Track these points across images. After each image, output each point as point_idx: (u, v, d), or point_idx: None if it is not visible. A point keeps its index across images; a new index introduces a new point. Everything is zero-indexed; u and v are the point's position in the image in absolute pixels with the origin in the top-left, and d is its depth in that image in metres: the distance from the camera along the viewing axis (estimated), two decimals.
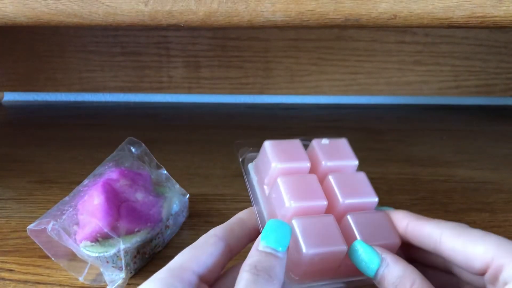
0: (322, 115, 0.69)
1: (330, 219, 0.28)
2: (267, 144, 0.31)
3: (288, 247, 0.25)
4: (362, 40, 0.67)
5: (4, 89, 0.74)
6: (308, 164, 0.30)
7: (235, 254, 0.28)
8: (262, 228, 0.28)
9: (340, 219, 0.29)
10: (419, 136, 0.61)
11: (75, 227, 0.36)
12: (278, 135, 0.34)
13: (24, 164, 0.55)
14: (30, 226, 0.34)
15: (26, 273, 0.37)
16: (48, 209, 0.37)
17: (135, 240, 0.36)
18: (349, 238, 0.27)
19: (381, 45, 0.67)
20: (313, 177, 0.29)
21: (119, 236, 0.35)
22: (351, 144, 0.32)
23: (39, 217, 0.35)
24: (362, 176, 0.30)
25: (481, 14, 0.31)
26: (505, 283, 0.22)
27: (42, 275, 0.37)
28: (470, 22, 0.31)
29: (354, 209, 0.28)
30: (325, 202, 0.28)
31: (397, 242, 0.27)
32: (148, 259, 0.38)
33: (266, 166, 0.30)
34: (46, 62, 0.71)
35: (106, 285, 0.35)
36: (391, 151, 0.57)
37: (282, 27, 0.33)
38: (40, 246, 0.35)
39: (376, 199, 0.29)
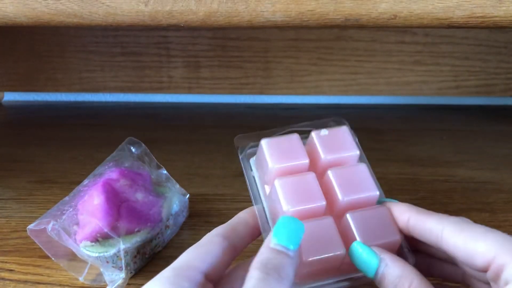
0: (322, 115, 0.69)
1: (329, 221, 0.27)
2: (264, 143, 0.30)
3: None
4: (362, 40, 0.67)
5: (4, 89, 0.74)
6: (307, 161, 0.30)
7: (238, 253, 0.28)
8: (262, 228, 0.29)
9: (340, 215, 0.29)
10: (419, 136, 0.61)
11: (75, 227, 0.36)
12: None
13: (24, 164, 0.55)
14: (30, 226, 0.34)
15: (26, 273, 0.37)
16: (48, 209, 0.37)
17: (135, 240, 0.36)
18: (349, 238, 0.27)
19: (381, 45, 0.67)
20: (312, 176, 0.29)
21: (119, 236, 0.35)
22: None
23: (39, 217, 0.35)
24: (363, 169, 0.30)
25: (481, 14, 0.31)
26: (506, 283, 0.22)
27: (42, 275, 0.37)
28: (470, 22, 0.31)
29: (355, 205, 0.28)
30: (324, 203, 0.28)
31: (397, 239, 0.27)
32: (148, 259, 0.38)
33: (264, 165, 0.30)
34: (46, 62, 0.71)
35: (106, 285, 0.35)
36: (391, 151, 0.57)
37: (282, 27, 0.33)
38: (40, 246, 0.35)
39: (377, 193, 0.29)
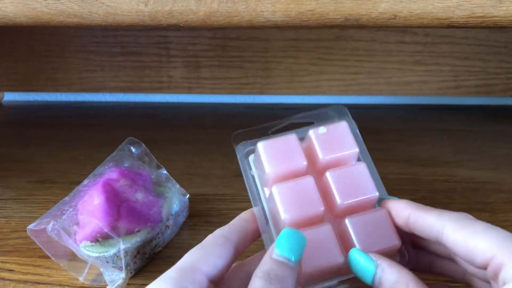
0: None
1: (327, 229, 0.27)
2: (261, 146, 0.29)
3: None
4: (362, 40, 0.67)
5: (4, 89, 0.74)
6: (304, 163, 0.29)
7: (239, 254, 0.28)
8: (262, 230, 0.29)
9: (340, 216, 0.29)
10: (419, 136, 0.61)
11: (75, 227, 0.36)
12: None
13: (24, 164, 0.55)
14: (30, 226, 0.34)
15: (26, 273, 0.37)
16: (48, 209, 0.37)
17: (135, 240, 0.36)
18: (348, 243, 0.28)
19: (381, 45, 0.67)
20: (310, 181, 0.28)
21: (119, 236, 0.35)
22: None
23: (39, 217, 0.35)
24: (362, 169, 0.29)
25: (481, 14, 0.31)
26: (504, 283, 0.22)
27: (42, 275, 0.37)
28: (470, 22, 0.31)
29: (354, 207, 0.28)
30: (322, 209, 0.28)
31: (396, 244, 0.27)
32: (148, 259, 0.38)
33: (261, 169, 0.30)
34: (46, 62, 0.71)
35: (106, 285, 0.35)
36: (391, 151, 0.57)
37: (282, 27, 0.33)
38: (40, 246, 0.35)
39: (376, 194, 0.28)
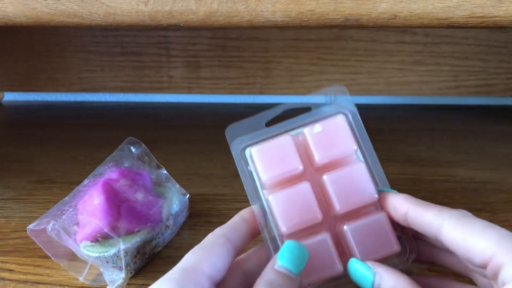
0: None
1: (325, 239, 0.27)
2: (254, 152, 0.28)
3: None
4: (362, 40, 0.67)
5: (4, 89, 0.74)
6: (300, 168, 0.28)
7: (239, 253, 0.28)
8: (261, 227, 0.29)
9: (339, 218, 0.29)
10: (419, 136, 0.61)
11: (75, 227, 0.36)
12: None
13: (24, 164, 0.55)
14: (30, 226, 0.34)
15: (26, 273, 0.37)
16: (48, 209, 0.37)
17: (135, 240, 0.36)
18: (348, 251, 0.28)
19: (381, 45, 0.67)
20: (307, 187, 0.28)
21: (119, 236, 0.35)
22: None
23: (39, 217, 0.35)
24: (361, 169, 0.28)
25: (481, 14, 0.31)
26: (503, 283, 0.22)
27: (42, 275, 0.37)
28: (470, 22, 0.31)
29: (353, 212, 0.28)
30: (319, 217, 0.28)
31: (395, 249, 0.28)
32: (148, 259, 0.38)
33: (257, 174, 0.29)
34: (46, 62, 0.71)
35: (106, 285, 0.35)
36: (391, 151, 0.57)
37: (282, 27, 0.33)
38: (40, 246, 0.35)
39: (375, 196, 0.28)
